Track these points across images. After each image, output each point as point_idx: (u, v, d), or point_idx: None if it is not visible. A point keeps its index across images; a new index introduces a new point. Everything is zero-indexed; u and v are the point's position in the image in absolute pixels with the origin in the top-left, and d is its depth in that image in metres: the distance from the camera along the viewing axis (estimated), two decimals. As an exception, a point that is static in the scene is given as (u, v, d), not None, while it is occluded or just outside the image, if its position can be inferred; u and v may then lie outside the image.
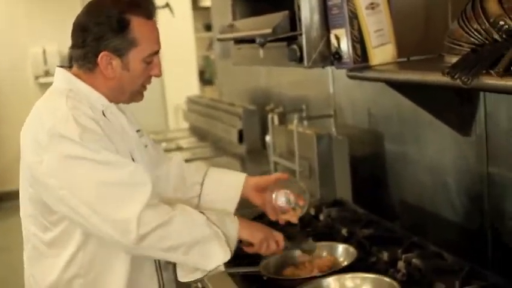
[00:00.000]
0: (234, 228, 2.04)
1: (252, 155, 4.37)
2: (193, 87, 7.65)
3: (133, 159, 2.05)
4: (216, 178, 2.41)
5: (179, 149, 4.89)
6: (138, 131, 2.22)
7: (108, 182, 1.89)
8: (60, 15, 7.54)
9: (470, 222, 2.44)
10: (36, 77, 8.10)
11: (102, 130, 1.93)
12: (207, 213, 2.01)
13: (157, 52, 2.05)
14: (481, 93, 2.26)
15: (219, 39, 3.01)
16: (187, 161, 4.36)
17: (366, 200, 3.06)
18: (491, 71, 1.45)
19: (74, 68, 2.05)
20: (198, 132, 5.57)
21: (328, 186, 3.11)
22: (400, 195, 2.92)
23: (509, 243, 2.23)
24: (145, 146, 2.23)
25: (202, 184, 2.38)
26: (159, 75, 2.09)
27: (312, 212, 2.91)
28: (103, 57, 1.97)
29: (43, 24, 7.88)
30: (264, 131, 4.26)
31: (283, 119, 3.82)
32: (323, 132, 3.15)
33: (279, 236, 2.14)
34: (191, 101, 5.88)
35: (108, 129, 1.98)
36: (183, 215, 1.96)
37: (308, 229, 2.70)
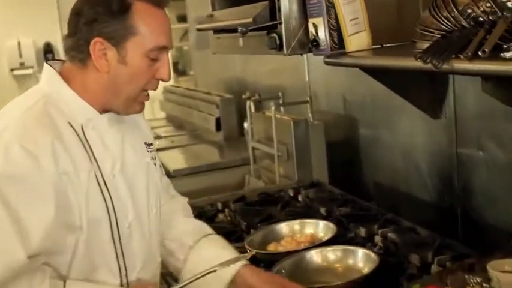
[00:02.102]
0: None
1: (230, 142, 4.47)
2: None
3: (106, 187, 1.69)
4: (207, 251, 1.98)
5: (158, 137, 4.96)
6: (149, 144, 1.91)
7: None
8: (35, 7, 7.55)
9: (441, 201, 2.57)
10: (12, 70, 8.10)
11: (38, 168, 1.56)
12: None
13: (165, 48, 1.70)
14: (451, 78, 2.39)
15: (199, 29, 3.09)
16: (166, 149, 4.50)
17: (342, 182, 3.18)
18: (460, 55, 1.57)
19: (66, 64, 1.74)
20: (174, 122, 5.65)
21: (305, 169, 3.23)
22: (374, 177, 3.05)
23: (477, 219, 2.37)
24: (153, 159, 1.90)
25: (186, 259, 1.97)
26: (167, 78, 1.72)
27: (291, 193, 3.03)
28: (96, 43, 1.63)
29: (18, 16, 7.87)
30: (241, 118, 4.37)
31: (259, 106, 3.94)
32: (300, 118, 3.27)
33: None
34: (168, 91, 5.95)
35: (74, 149, 1.64)
36: None
37: (288, 209, 2.82)
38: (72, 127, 1.67)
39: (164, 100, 6.05)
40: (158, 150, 4.35)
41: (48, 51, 8.19)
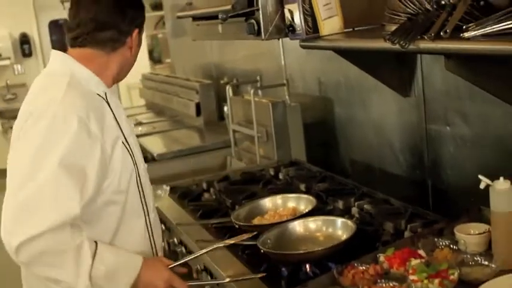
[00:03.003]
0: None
1: (210, 126, 4.58)
2: (145, 66, 7.77)
3: (129, 145, 2.02)
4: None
5: (139, 124, 5.06)
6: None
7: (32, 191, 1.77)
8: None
9: (413, 174, 2.72)
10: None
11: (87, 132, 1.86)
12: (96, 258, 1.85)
13: None
14: (418, 58, 2.52)
15: (179, 17, 3.19)
16: (148, 134, 4.61)
17: (319, 161, 3.33)
18: (425, 36, 1.71)
19: (78, 50, 2.02)
20: (154, 108, 5.74)
21: (284, 149, 3.37)
22: (350, 154, 3.19)
23: (446, 189, 2.53)
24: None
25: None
26: None
27: (272, 172, 3.18)
28: (136, 35, 2.06)
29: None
30: (220, 103, 4.49)
31: (238, 91, 4.07)
32: (277, 100, 3.41)
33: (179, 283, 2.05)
34: (147, 78, 6.04)
35: (105, 119, 1.96)
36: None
37: (269, 186, 2.97)
38: (101, 96, 2.01)
39: (143, 87, 6.14)
40: (140, 136, 4.54)
41: (24, 42, 8.24)
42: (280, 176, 3.11)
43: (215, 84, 4.65)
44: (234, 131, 3.81)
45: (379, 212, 2.40)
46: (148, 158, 4.12)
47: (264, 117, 3.41)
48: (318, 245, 2.12)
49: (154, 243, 2.14)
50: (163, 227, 2.79)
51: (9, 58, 8.04)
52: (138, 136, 4.39)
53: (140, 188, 2.07)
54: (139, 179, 2.07)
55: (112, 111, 2.02)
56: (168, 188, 3.05)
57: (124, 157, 1.99)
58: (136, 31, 2.05)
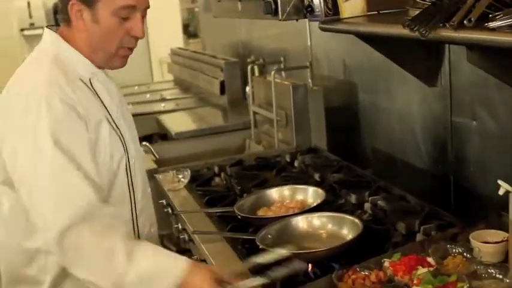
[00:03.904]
0: None
1: (233, 106, 4.46)
2: (178, 40, 7.67)
3: (118, 129, 1.92)
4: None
5: (163, 99, 4.97)
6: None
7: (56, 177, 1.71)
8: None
9: (435, 168, 2.57)
10: (22, 30, 8.12)
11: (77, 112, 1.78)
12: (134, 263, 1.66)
13: (133, 7, 1.85)
14: (446, 46, 2.37)
15: (201, -8, 3.10)
16: (170, 111, 4.51)
17: (340, 148, 3.19)
18: (447, 24, 1.56)
19: (62, 27, 1.92)
20: (181, 84, 5.64)
21: (303, 134, 3.24)
22: (373, 143, 3.05)
23: (469, 187, 2.37)
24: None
25: None
26: (139, 35, 1.89)
27: (288, 158, 3.04)
28: (72, 6, 1.83)
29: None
30: (245, 82, 4.36)
31: (263, 71, 3.93)
32: (299, 83, 3.26)
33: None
34: (175, 53, 5.93)
35: (88, 100, 1.85)
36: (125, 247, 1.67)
37: (283, 174, 2.83)
38: (83, 82, 1.88)
39: (172, 63, 6.04)
40: (162, 112, 4.44)
41: (57, 12, 8.18)
42: (296, 164, 2.97)
43: (241, 62, 4.52)
44: (255, 113, 3.67)
45: (393, 210, 2.25)
46: (167, 136, 4.04)
47: (284, 100, 3.27)
48: (320, 244, 1.99)
49: (138, 234, 2.00)
50: (171, 211, 2.69)
51: (42, 27, 7.99)
52: (159, 112, 4.42)
53: (129, 174, 1.94)
54: (129, 164, 1.95)
55: (97, 93, 1.91)
56: (189, 172, 2.87)
57: (112, 139, 1.89)
58: (73, 2, 1.82)
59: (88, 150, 1.78)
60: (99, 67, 1.94)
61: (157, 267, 1.66)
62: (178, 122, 4.21)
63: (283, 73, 3.63)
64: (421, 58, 2.43)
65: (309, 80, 3.34)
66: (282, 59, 3.79)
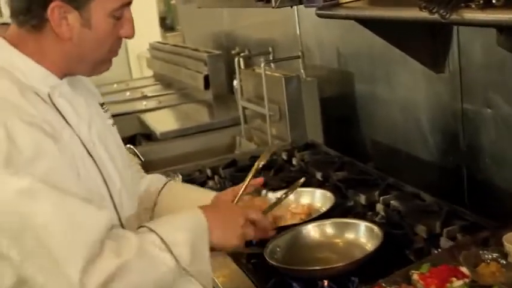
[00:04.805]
0: (205, 248, 1.50)
1: (219, 101, 4.27)
2: (155, 34, 7.45)
3: (91, 156, 1.53)
4: (177, 190, 1.90)
5: (144, 97, 4.75)
6: (103, 104, 1.73)
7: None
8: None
9: (445, 160, 2.41)
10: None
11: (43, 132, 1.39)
12: (171, 246, 1.44)
13: (129, 3, 1.52)
14: (454, 28, 2.20)
15: (183, -18, 2.90)
16: (152, 110, 4.30)
17: (338, 142, 3.02)
18: (471, 4, 1.38)
19: (12, 28, 1.49)
20: (162, 80, 5.41)
21: (298, 129, 3.05)
22: (372, 135, 2.88)
23: (485, 181, 2.20)
24: (113, 124, 1.73)
25: (159, 193, 1.86)
26: (131, 35, 1.55)
27: (285, 156, 2.85)
28: (54, 9, 1.41)
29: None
30: (230, 75, 4.18)
31: (249, 63, 3.73)
32: (292, 74, 3.07)
33: (257, 215, 1.64)
34: (154, 48, 5.72)
35: (52, 118, 1.46)
36: (141, 259, 1.40)
37: (282, 174, 2.64)
38: (40, 96, 1.47)
39: (151, 57, 5.82)
40: (144, 111, 4.23)
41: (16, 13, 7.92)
42: (294, 162, 2.77)
43: (225, 54, 4.32)
44: (244, 108, 3.47)
45: (409, 211, 2.06)
46: (151, 136, 3.84)
47: (276, 94, 3.08)
48: (337, 254, 1.81)
49: None
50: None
51: None
52: (141, 111, 4.21)
53: (112, 206, 1.57)
54: (112, 199, 1.57)
55: (59, 111, 1.50)
56: (180, 177, 2.67)
57: (83, 170, 1.50)
58: (55, 4, 1.41)
59: (69, 170, 1.44)
60: (64, 76, 1.54)
61: (190, 235, 1.47)
62: (162, 121, 4.01)
63: (272, 65, 3.43)
64: (426, 42, 2.27)
65: (302, 71, 3.15)
66: (270, 49, 3.59)
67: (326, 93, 3.12)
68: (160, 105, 4.42)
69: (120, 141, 1.75)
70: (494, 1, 1.34)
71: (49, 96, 1.48)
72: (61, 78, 1.52)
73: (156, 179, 1.91)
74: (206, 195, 1.83)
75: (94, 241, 1.34)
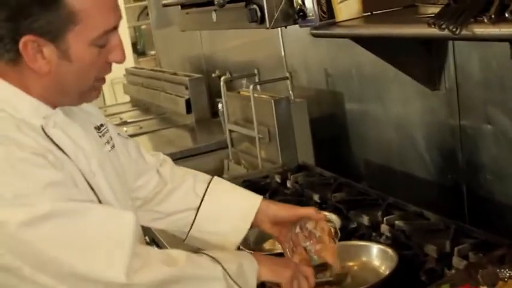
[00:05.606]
0: (253, 274, 1.53)
1: (202, 125, 4.21)
2: (129, 60, 7.40)
3: (92, 190, 1.47)
4: (220, 196, 1.84)
5: (124, 123, 4.68)
6: (101, 125, 1.65)
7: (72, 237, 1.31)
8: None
9: (442, 178, 2.38)
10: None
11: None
12: (220, 260, 1.47)
13: (114, 28, 1.40)
14: (450, 44, 2.18)
15: (165, 5, 2.84)
16: (134, 135, 4.22)
17: (329, 163, 2.97)
18: (483, 18, 1.35)
19: None
20: (140, 105, 5.35)
21: (289, 151, 3.00)
22: (365, 155, 2.85)
23: (487, 198, 2.17)
24: (112, 147, 1.66)
25: (201, 201, 1.82)
26: (121, 60, 1.44)
27: (278, 179, 2.79)
28: (27, 43, 1.31)
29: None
30: (212, 99, 4.13)
31: (231, 85, 3.69)
32: (281, 96, 3.02)
33: (308, 271, 1.63)
34: (130, 73, 5.65)
35: (53, 150, 1.40)
36: (193, 268, 1.44)
37: (278, 198, 2.58)
38: (33, 129, 1.39)
39: (127, 83, 5.75)
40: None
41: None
42: (288, 184, 2.71)
43: (206, 78, 4.26)
44: (231, 131, 3.42)
45: (415, 230, 2.01)
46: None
47: (265, 116, 3.03)
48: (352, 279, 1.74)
49: None
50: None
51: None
52: None
53: None
54: None
55: (55, 143, 1.42)
56: None
57: None
58: (27, 39, 1.31)
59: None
60: (57, 105, 1.46)
61: (238, 257, 1.56)
62: (145, 147, 3.91)
63: (258, 87, 3.38)
64: (422, 59, 2.25)
65: (290, 92, 3.11)
66: (256, 71, 3.55)
67: (315, 114, 3.08)
68: (141, 131, 4.35)
69: (121, 167, 1.67)
70: (507, 15, 1.31)
71: (42, 128, 1.41)
72: (54, 107, 1.45)
73: (200, 177, 1.91)
74: (252, 204, 1.84)
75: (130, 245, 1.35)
